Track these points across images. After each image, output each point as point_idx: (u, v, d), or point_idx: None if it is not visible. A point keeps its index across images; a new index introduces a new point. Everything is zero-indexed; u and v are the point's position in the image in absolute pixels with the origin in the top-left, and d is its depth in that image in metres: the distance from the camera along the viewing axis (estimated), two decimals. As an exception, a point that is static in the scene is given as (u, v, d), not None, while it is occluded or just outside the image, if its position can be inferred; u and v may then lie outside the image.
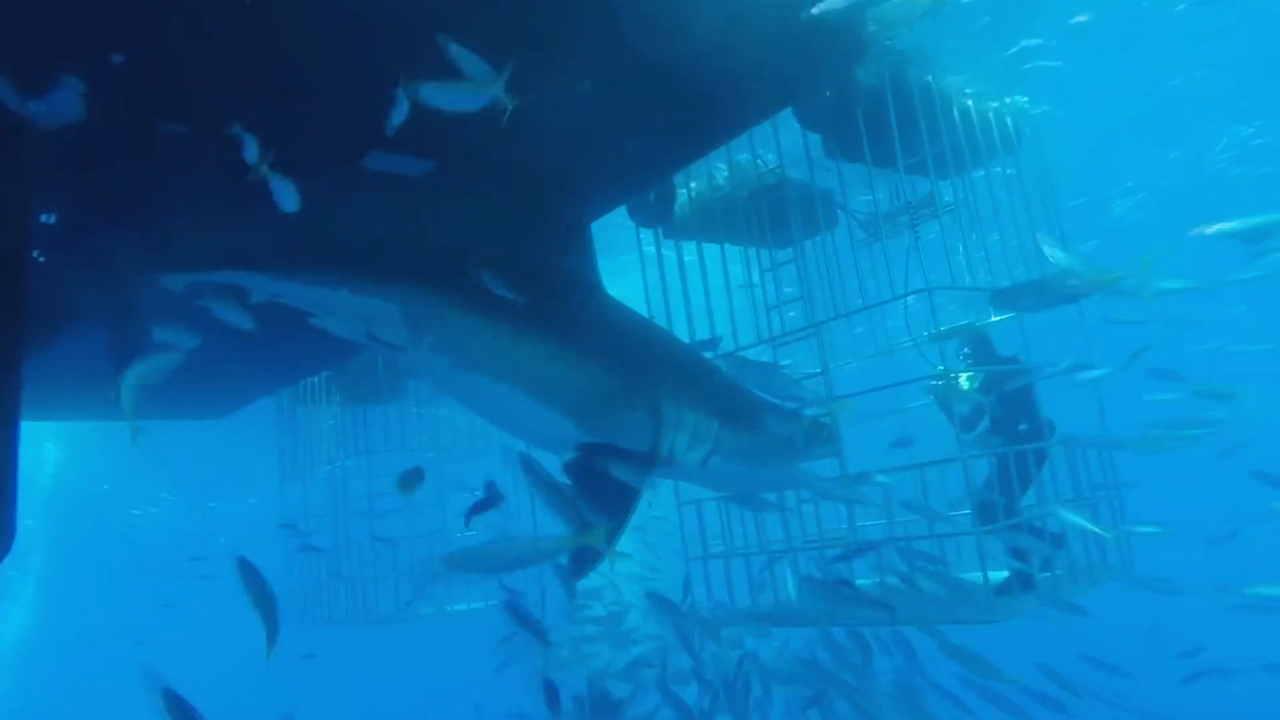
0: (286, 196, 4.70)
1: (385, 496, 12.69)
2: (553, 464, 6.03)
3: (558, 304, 6.02)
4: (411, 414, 12.54)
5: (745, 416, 5.79)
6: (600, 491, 5.57)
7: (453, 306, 5.90)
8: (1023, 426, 6.95)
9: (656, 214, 7.65)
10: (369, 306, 5.97)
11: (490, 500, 6.06)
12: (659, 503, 8.35)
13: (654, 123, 5.88)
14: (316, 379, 12.01)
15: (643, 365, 5.84)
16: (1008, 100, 7.69)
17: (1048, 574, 6.69)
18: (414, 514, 13.04)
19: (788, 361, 7.23)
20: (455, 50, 3.94)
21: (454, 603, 12.17)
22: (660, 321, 7.37)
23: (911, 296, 6.49)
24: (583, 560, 5.77)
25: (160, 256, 6.11)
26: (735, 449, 5.72)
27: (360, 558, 12.00)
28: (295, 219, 4.83)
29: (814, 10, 5.26)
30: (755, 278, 7.54)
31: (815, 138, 7.02)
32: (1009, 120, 7.52)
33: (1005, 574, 6.48)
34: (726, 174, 7.66)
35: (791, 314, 7.24)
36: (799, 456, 5.90)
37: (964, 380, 7.08)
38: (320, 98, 4.97)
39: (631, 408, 5.64)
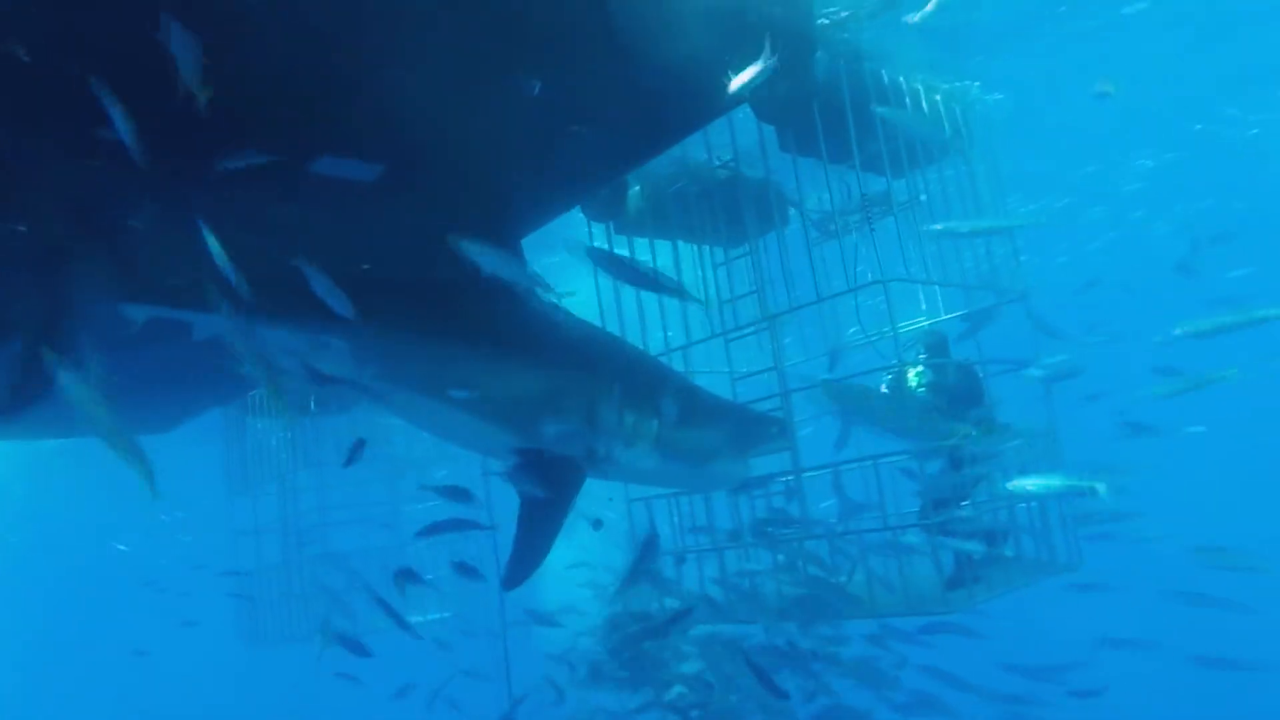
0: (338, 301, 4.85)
1: (337, 510, 12.51)
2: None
3: (488, 318, 6.05)
4: (363, 424, 12.36)
5: (686, 414, 5.81)
6: (540, 494, 5.60)
7: (392, 334, 6.01)
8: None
9: (608, 208, 7.58)
10: (316, 344, 6.02)
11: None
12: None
13: (601, 129, 5.81)
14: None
15: (576, 369, 5.88)
16: (957, 88, 7.72)
17: (996, 568, 6.71)
18: (367, 528, 12.85)
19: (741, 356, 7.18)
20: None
21: (409, 615, 11.94)
22: (612, 319, 7.32)
23: (865, 291, 6.48)
24: (515, 573, 5.76)
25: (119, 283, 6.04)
26: (676, 447, 5.72)
27: (312, 573, 11.77)
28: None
29: None
30: (709, 272, 7.50)
31: (770, 131, 6.99)
32: (959, 113, 7.54)
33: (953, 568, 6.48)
34: (680, 168, 7.61)
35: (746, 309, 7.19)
36: (746, 453, 5.90)
37: (913, 378, 7.09)
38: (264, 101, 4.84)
39: (564, 412, 5.68)
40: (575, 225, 7.79)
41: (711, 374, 7.35)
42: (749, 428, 6.12)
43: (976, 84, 8.55)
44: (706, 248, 7.78)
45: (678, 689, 6.92)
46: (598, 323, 7.28)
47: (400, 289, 6.25)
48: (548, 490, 5.55)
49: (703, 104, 5.98)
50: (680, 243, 7.81)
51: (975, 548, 6.21)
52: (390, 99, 4.93)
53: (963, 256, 7.19)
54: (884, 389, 7.07)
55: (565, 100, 5.31)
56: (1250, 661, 11.21)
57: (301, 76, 4.64)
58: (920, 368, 7.11)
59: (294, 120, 4.95)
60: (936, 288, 7.40)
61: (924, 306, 7.98)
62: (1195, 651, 11.34)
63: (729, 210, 7.42)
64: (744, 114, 6.84)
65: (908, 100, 7.04)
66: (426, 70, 4.77)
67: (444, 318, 6.08)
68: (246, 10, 4.04)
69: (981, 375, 7.21)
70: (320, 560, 11.77)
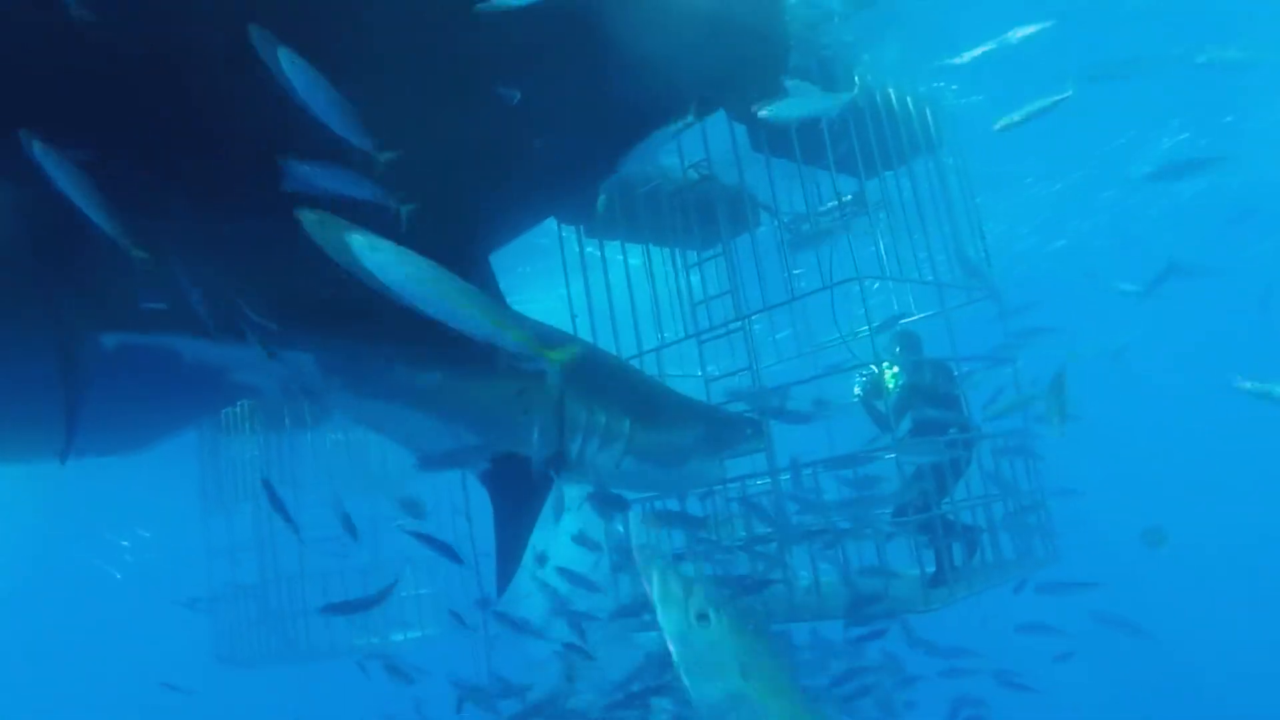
0: None
1: (314, 527, 12.36)
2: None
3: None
4: (340, 440, 12.29)
5: (660, 415, 5.79)
6: (511, 498, 5.69)
7: (357, 346, 6.14)
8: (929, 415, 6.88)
9: (578, 212, 7.53)
10: (287, 359, 6.13)
11: None
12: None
13: (572, 142, 5.77)
14: (237, 408, 11.69)
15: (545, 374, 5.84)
16: (927, 90, 7.75)
17: (974, 564, 6.69)
18: (345, 545, 12.70)
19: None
20: None
21: (392, 632, 11.84)
22: (584, 321, 7.29)
23: (840, 289, 6.45)
24: (500, 576, 5.84)
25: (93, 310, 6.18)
26: (650, 449, 5.69)
27: (290, 592, 11.64)
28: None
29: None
30: (680, 273, 7.47)
31: (742, 130, 6.97)
32: (929, 115, 7.56)
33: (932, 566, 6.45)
34: (651, 170, 7.58)
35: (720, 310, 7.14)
36: (721, 454, 5.87)
37: (889, 377, 7.05)
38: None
39: (531, 413, 5.68)
40: (546, 230, 7.74)
41: (685, 377, 7.31)
42: (722, 429, 6.08)
43: (954, 86, 8.54)
44: (679, 250, 7.75)
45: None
46: (569, 327, 7.25)
47: (367, 301, 6.26)
48: (520, 493, 5.54)
49: (676, 113, 5.96)
50: (653, 246, 7.77)
51: (952, 543, 6.17)
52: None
53: (935, 254, 7.20)
54: (857, 391, 7.03)
55: (535, 113, 5.26)
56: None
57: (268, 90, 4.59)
58: (894, 366, 7.07)
59: (259, 135, 4.89)
60: (909, 286, 7.40)
61: (896, 307, 8.00)
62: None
63: (701, 211, 7.40)
64: (716, 115, 6.83)
65: (878, 100, 7.06)
66: (394, 86, 4.73)
67: (412, 328, 6.09)
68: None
69: (956, 373, 7.19)
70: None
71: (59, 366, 6.44)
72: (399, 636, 12.02)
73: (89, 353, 6.34)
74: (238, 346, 6.08)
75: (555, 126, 5.55)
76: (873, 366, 6.81)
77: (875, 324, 6.47)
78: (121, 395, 7.76)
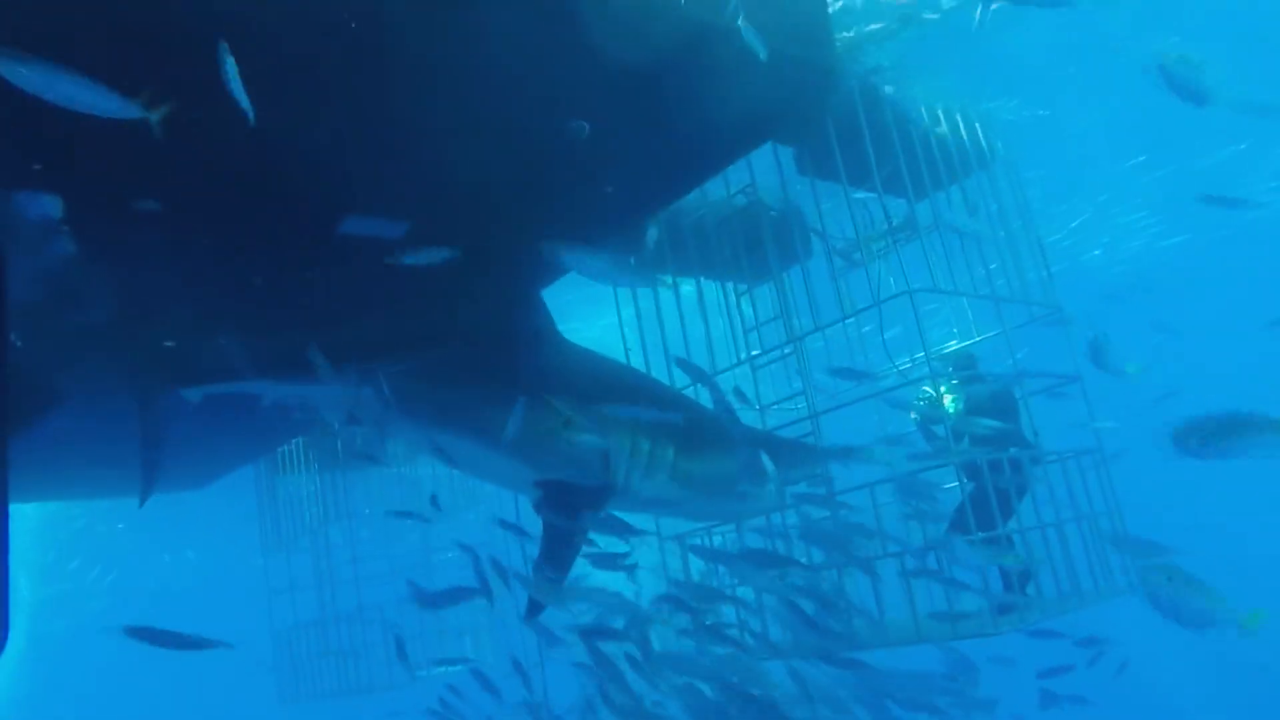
0: None
1: (370, 561, 12.45)
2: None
3: (504, 358, 6.31)
4: (391, 475, 12.38)
5: (706, 443, 5.76)
6: (561, 523, 5.74)
7: (412, 380, 6.38)
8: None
9: (628, 245, 7.50)
10: (350, 394, 6.46)
11: None
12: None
13: (622, 181, 5.80)
14: (293, 446, 11.83)
15: (589, 401, 5.88)
16: (978, 110, 7.61)
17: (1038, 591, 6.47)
18: (400, 578, 12.76)
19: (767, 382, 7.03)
20: None
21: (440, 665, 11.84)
22: (637, 352, 7.27)
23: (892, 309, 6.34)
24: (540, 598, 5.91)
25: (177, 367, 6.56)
26: (695, 476, 5.64)
27: (349, 626, 11.71)
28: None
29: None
30: (732, 300, 7.41)
31: (788, 153, 6.92)
32: (980, 133, 7.43)
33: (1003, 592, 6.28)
34: (697, 201, 7.53)
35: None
36: (774, 480, 5.80)
37: (948, 401, 6.90)
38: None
39: (576, 442, 5.73)
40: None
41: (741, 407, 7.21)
42: (776, 454, 5.99)
43: (1013, 101, 8.40)
44: (729, 283, 7.67)
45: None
46: (623, 356, 7.23)
47: (425, 339, 6.44)
48: (569, 519, 5.64)
49: (725, 146, 5.96)
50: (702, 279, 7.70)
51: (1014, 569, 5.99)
52: (423, 159, 4.96)
53: (992, 272, 7.05)
54: (913, 415, 6.89)
55: (596, 151, 5.27)
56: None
57: (339, 144, 4.68)
58: (954, 388, 6.92)
59: (330, 185, 5.00)
60: (966, 305, 7.26)
61: (955, 329, 7.84)
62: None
63: (749, 239, 7.31)
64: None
65: (924, 118, 6.96)
66: (456, 129, 4.78)
67: (468, 361, 6.24)
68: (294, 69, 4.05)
69: (1018, 395, 7.01)
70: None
71: (139, 422, 6.75)
72: (455, 668, 12.01)
73: (166, 408, 6.79)
74: (314, 385, 6.39)
75: (612, 167, 5.57)
76: (928, 389, 6.69)
77: (933, 348, 6.35)
78: (192, 436, 8.01)
